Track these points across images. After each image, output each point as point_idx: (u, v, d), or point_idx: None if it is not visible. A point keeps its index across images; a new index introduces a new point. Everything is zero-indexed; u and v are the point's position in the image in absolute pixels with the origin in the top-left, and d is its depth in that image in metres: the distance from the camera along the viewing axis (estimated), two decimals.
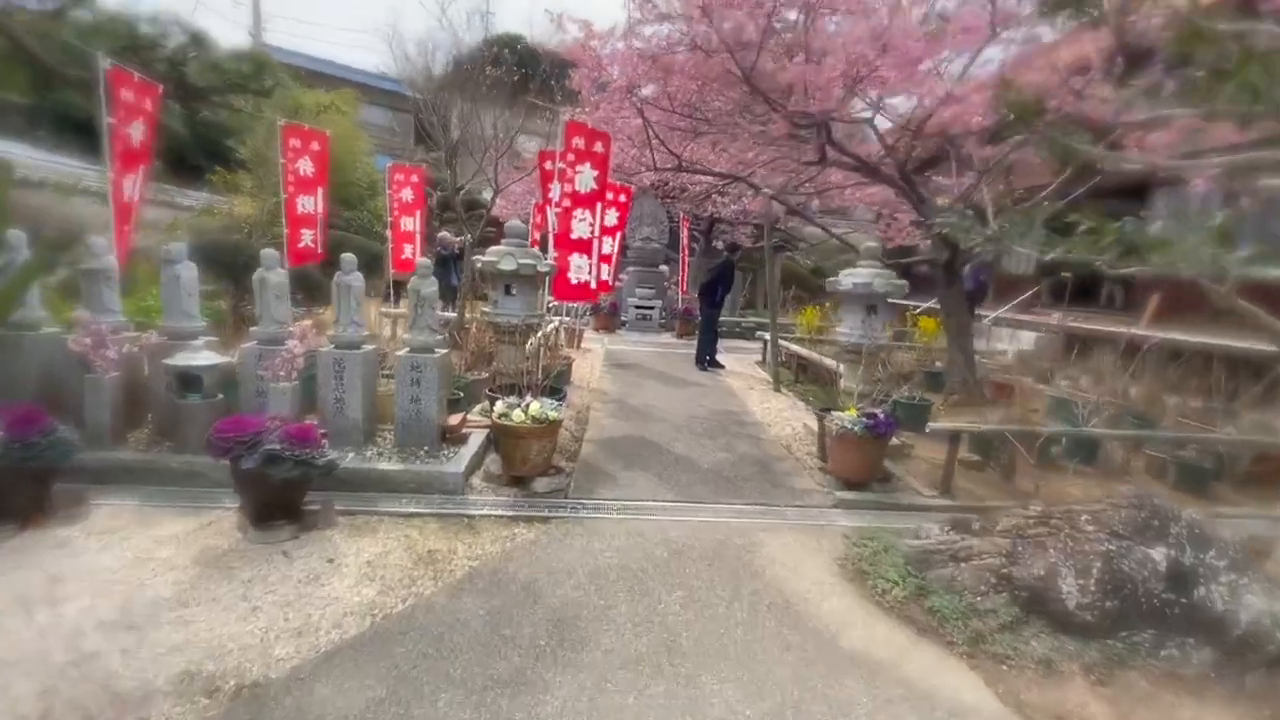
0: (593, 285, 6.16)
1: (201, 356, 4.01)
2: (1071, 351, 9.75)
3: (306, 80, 18.22)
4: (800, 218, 9.01)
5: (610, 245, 10.02)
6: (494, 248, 5.22)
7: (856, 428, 4.26)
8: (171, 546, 3.09)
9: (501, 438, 4.18)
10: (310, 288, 11.18)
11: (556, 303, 6.96)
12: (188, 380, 3.97)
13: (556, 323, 9.70)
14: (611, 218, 9.80)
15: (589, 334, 12.42)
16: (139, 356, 4.20)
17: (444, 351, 4.60)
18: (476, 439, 4.67)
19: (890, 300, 5.22)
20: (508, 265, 5.01)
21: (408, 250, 10.00)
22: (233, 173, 12.28)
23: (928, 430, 4.75)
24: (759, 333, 10.69)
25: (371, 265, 10.69)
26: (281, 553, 3.08)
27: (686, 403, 7.12)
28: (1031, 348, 11.12)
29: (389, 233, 10.12)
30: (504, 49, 13.77)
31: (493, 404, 4.70)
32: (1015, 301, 12.06)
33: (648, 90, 6.62)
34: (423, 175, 10.01)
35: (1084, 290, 12.21)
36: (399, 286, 10.01)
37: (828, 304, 18.00)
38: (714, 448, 5.46)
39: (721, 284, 9.48)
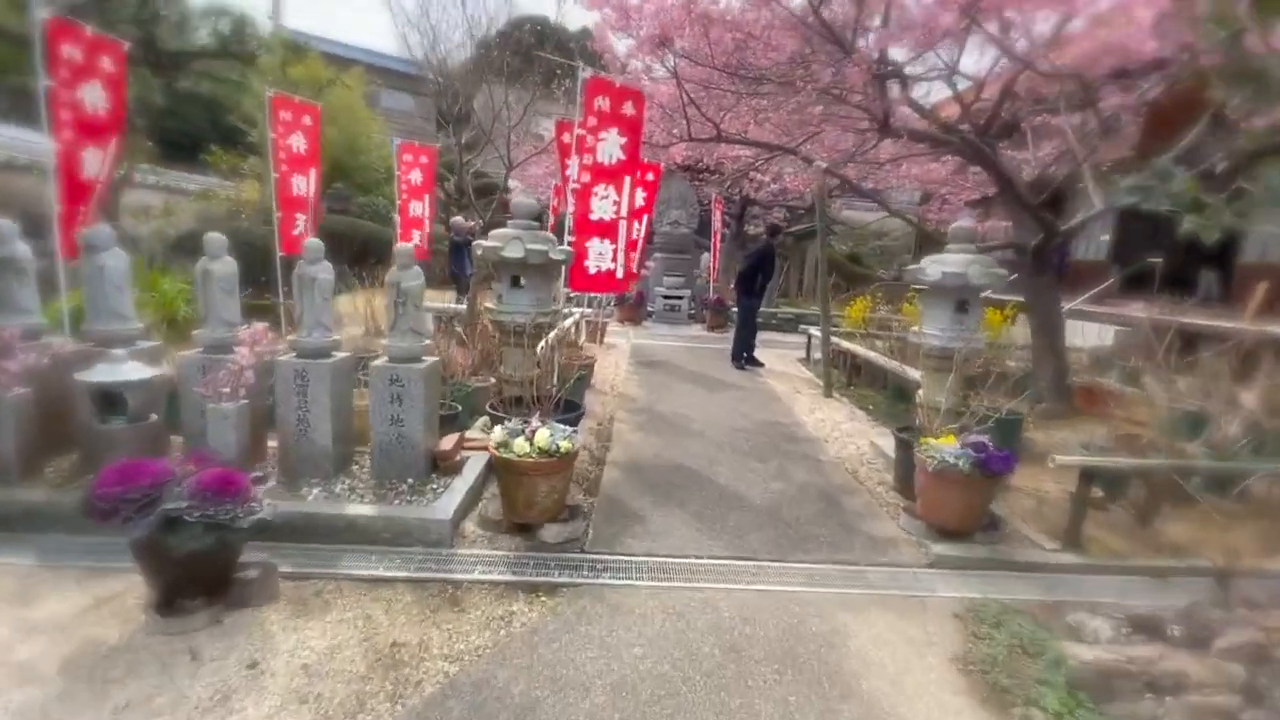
0: (618, 274, 5.21)
1: (125, 369, 3.18)
2: (1162, 349, 8.53)
3: (328, 63, 17.48)
4: (857, 193, 7.88)
5: (637, 230, 9.06)
6: (497, 231, 4.30)
7: (962, 463, 3.26)
8: (42, 638, 2.27)
9: (501, 474, 3.28)
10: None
11: (575, 294, 6.05)
12: (109, 399, 3.15)
13: (577, 315, 8.80)
14: (639, 198, 8.83)
15: (613, 327, 11.50)
16: (55, 367, 3.39)
17: (432, 360, 3.71)
18: (475, 466, 3.79)
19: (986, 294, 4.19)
20: (513, 252, 4.09)
21: (416, 236, 9.16)
22: (233, 153, 11.55)
23: (1052, 463, 3.70)
24: (801, 326, 9.64)
25: (384, 253, 9.92)
26: (188, 651, 2.23)
27: (726, 411, 6.16)
28: (1112, 344, 9.85)
29: (397, 217, 9.30)
30: (526, 29, 12.85)
31: (495, 421, 3.82)
32: (1092, 291, 10.75)
33: (682, 45, 5.60)
34: (433, 155, 9.14)
35: (1174, 278, 10.86)
36: None
37: (874, 292, 16.77)
38: (765, 474, 4.50)
39: (762, 272, 8.45)
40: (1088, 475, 3.47)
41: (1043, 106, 6.72)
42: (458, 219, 11.31)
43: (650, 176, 8.63)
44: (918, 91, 5.70)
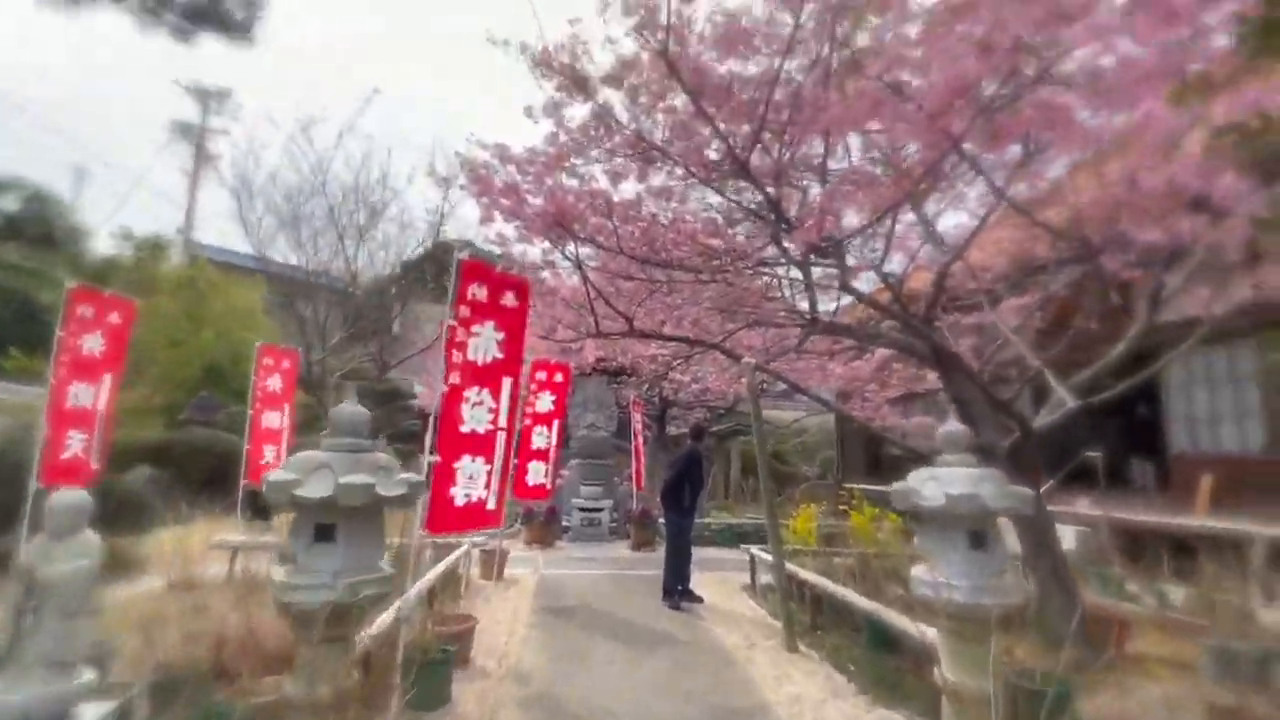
0: (490, 503, 3.76)
1: None
2: (1133, 552, 7.69)
3: (229, 272, 16.73)
4: (794, 390, 7.08)
5: (546, 437, 7.80)
6: (297, 456, 2.83)
7: None
8: None
9: None
10: (132, 507, 8.24)
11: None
12: None
13: (466, 546, 7.00)
14: (546, 402, 7.72)
15: (518, 551, 9.59)
16: None
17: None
18: None
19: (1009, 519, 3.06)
20: (314, 489, 2.61)
21: (269, 453, 7.44)
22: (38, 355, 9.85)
23: None
24: (742, 545, 8.17)
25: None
26: None
27: (662, 692, 4.36)
28: (1076, 547, 8.97)
29: (248, 430, 7.62)
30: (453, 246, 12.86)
31: None
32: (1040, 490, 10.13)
33: (585, 232, 4.89)
34: (296, 359, 7.84)
35: (1108, 471, 10.56)
36: (254, 498, 7.33)
37: (803, 492, 15.76)
38: None
39: (690, 482, 7.19)
40: None
41: (974, 296, 6.46)
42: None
43: (559, 378, 7.64)
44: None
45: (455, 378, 3.70)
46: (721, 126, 3.22)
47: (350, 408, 2.96)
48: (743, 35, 2.94)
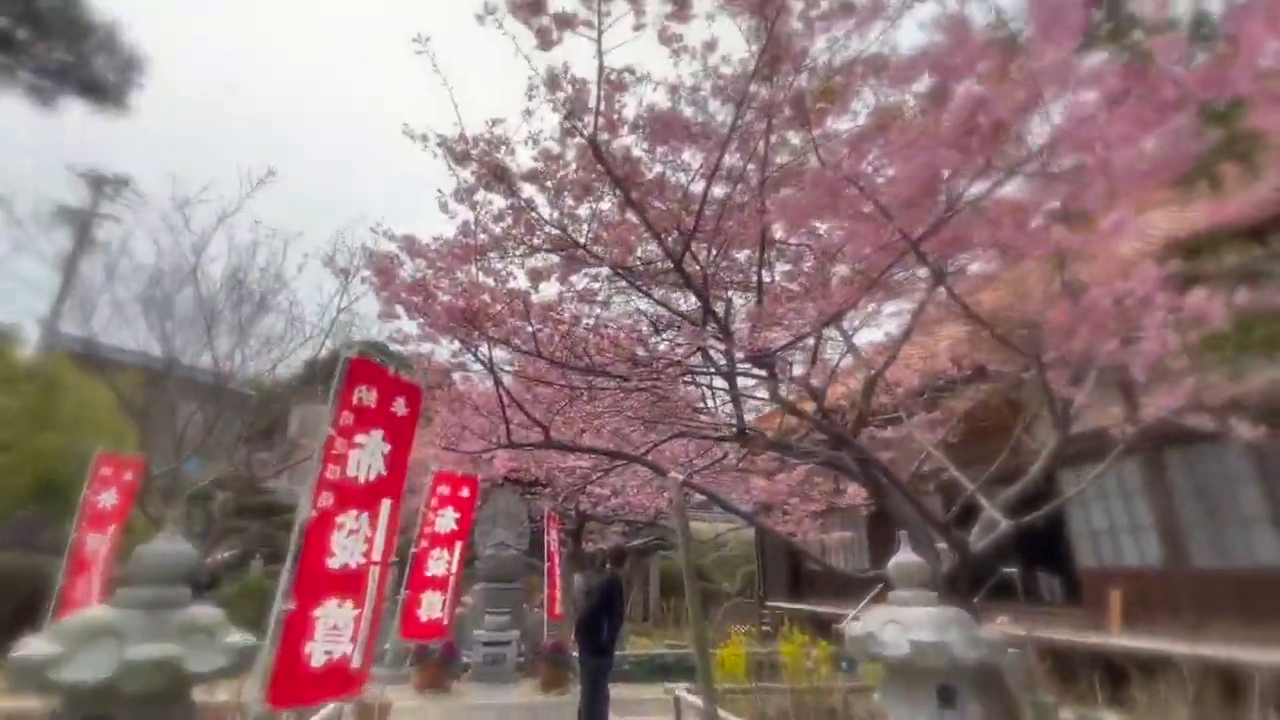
0: (354, 662, 2.98)
1: None
2: (1061, 674, 7.50)
3: (98, 369, 14.69)
4: (721, 506, 6.63)
5: (447, 563, 6.84)
6: (70, 619, 2.04)
7: None
8: None
9: None
10: None
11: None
12: None
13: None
14: (448, 520, 6.84)
15: (405, 701, 8.12)
16: None
17: None
18: None
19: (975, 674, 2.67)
20: (83, 671, 1.83)
21: (84, 587, 6.02)
22: None
23: None
24: (665, 685, 7.29)
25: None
26: None
27: None
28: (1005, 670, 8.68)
29: (68, 555, 6.24)
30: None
31: None
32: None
33: (498, 331, 4.48)
34: (140, 469, 6.65)
35: (1006, 585, 10.63)
36: None
37: (722, 615, 14.87)
38: None
39: (609, 615, 6.41)
40: None
41: (889, 411, 6.48)
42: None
43: (465, 493, 6.84)
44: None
45: (327, 499, 3.01)
46: (653, 223, 3.03)
47: (163, 545, 2.22)
48: (678, 126, 2.84)
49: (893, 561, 2.92)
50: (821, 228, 2.90)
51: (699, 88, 2.86)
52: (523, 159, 3.67)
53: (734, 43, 3.71)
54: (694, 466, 6.21)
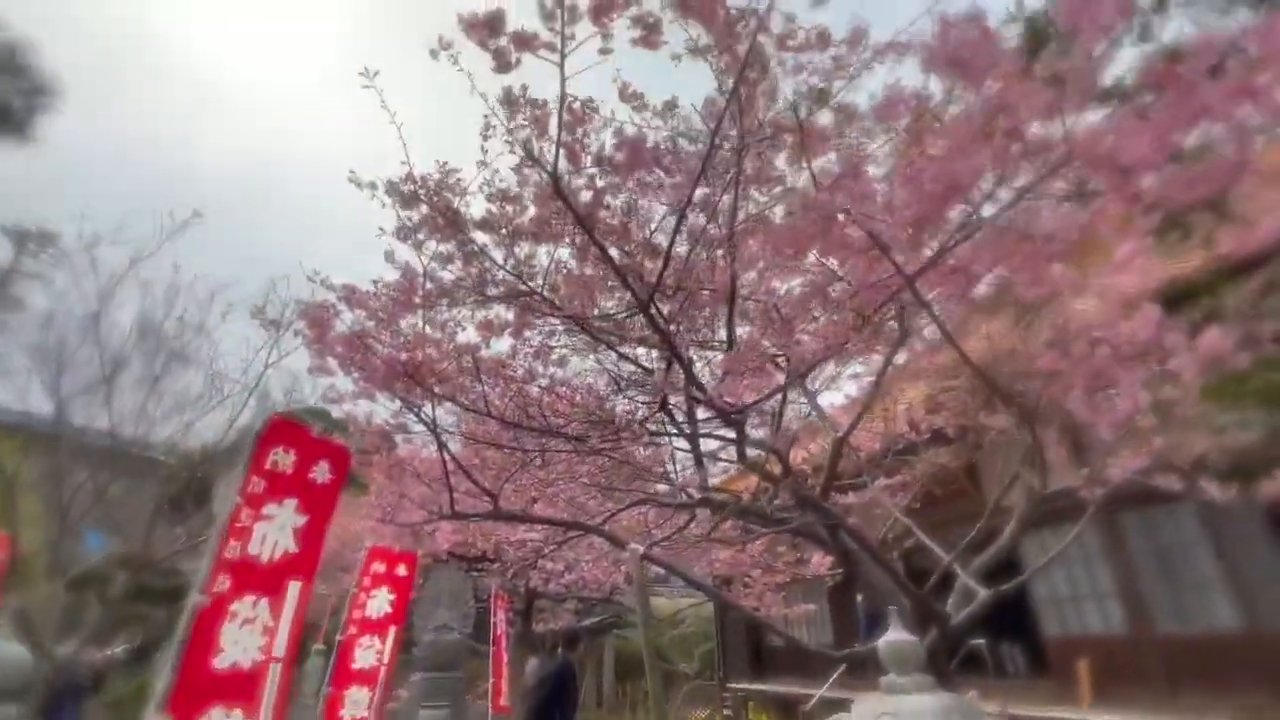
0: None
1: None
2: None
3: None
4: (687, 582, 6.17)
5: (378, 652, 6.09)
6: None
7: None
8: None
9: None
10: None
11: None
12: None
13: None
14: (381, 602, 6.16)
15: None
16: None
17: None
18: None
19: None
20: None
21: None
22: None
23: None
24: None
25: None
26: None
27: None
28: None
29: None
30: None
31: None
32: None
33: (444, 389, 4.12)
34: (6, 546, 5.80)
35: (974, 656, 10.30)
36: None
37: (682, 699, 13.93)
38: None
39: (559, 705, 5.78)
40: None
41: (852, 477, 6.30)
42: (68, 652, 7.05)
43: (403, 570, 6.21)
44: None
45: (222, 583, 2.52)
46: (618, 265, 2.82)
47: None
48: (647, 156, 2.68)
49: (883, 641, 2.61)
50: (794, 282, 2.74)
51: (665, 137, 2.75)
52: (477, 207, 3.46)
53: (701, 88, 3.66)
54: (653, 537, 5.81)
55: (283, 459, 2.87)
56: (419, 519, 4.58)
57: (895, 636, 2.61)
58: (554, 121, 2.34)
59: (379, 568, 5.76)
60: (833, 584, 11.74)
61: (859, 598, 10.92)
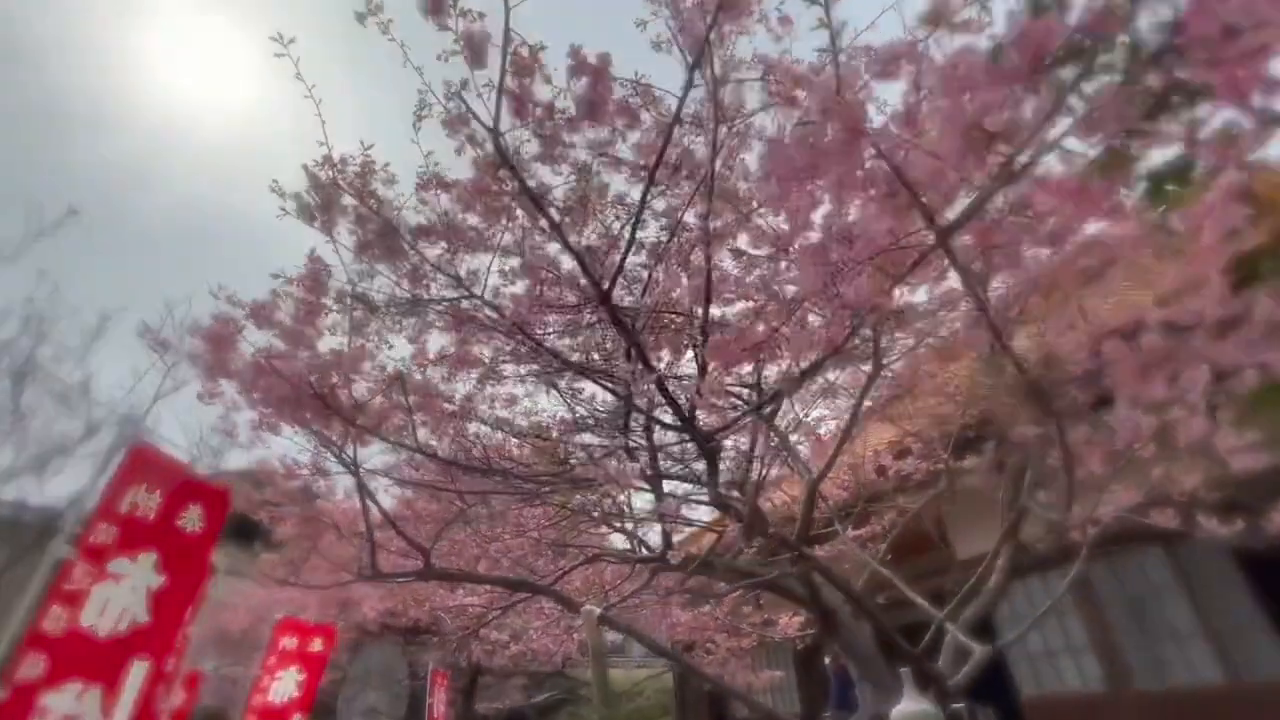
0: None
1: None
2: None
3: None
4: (647, 645, 5.50)
5: None
6: None
7: None
8: None
9: None
10: None
11: None
12: None
13: None
14: (289, 684, 5.27)
15: None
16: None
17: None
18: None
19: None
20: None
21: None
22: None
23: None
24: None
25: None
26: None
27: None
28: None
29: None
30: None
31: None
32: None
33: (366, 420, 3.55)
34: None
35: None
36: None
37: None
38: None
39: None
40: None
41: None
42: None
43: (318, 645, 5.36)
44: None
45: (35, 665, 1.86)
46: (574, 249, 2.39)
47: None
48: (611, 100, 2.30)
49: (900, 712, 2.14)
50: (784, 283, 2.33)
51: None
52: (410, 213, 3.02)
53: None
54: (609, 599, 5.19)
55: (144, 501, 2.25)
56: (330, 580, 3.88)
57: (911, 708, 2.14)
58: (495, 64, 1.98)
59: (289, 643, 4.90)
60: (801, 648, 11.08)
61: (827, 661, 10.31)
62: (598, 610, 4.15)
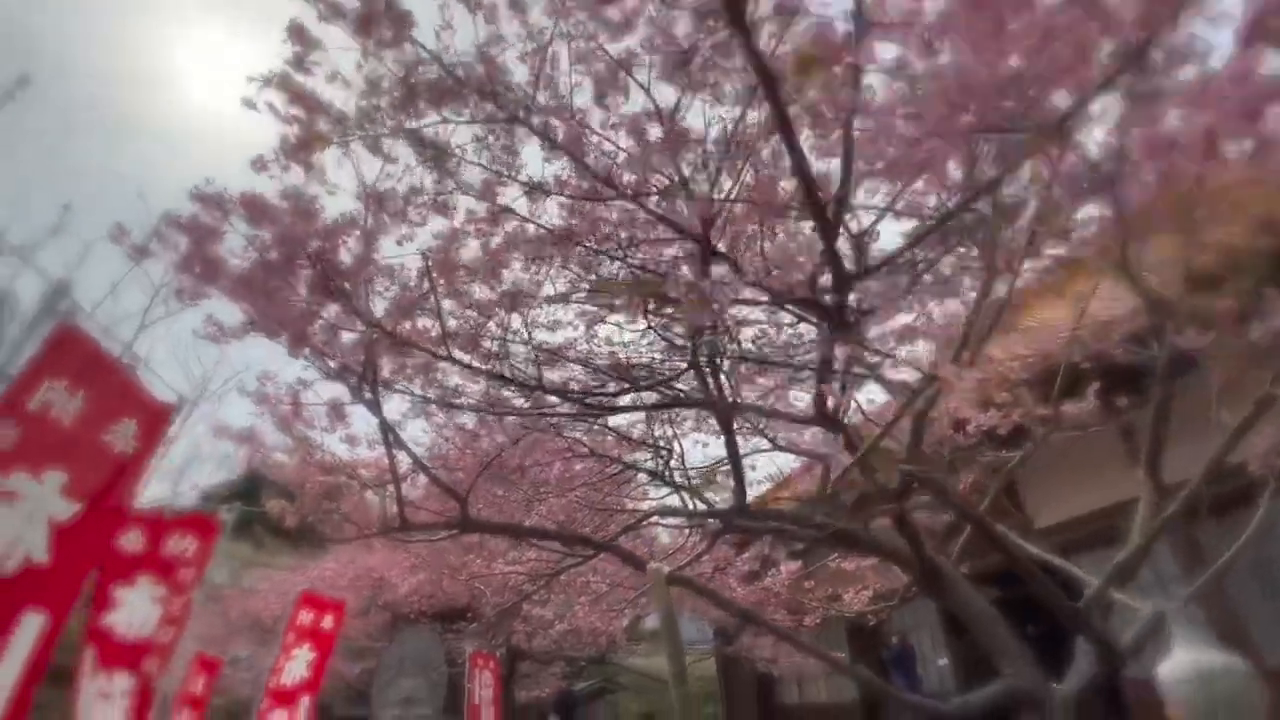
0: None
1: None
2: None
3: None
4: (717, 603, 4.75)
5: None
6: None
7: None
8: None
9: None
10: None
11: None
12: None
13: None
14: (299, 665, 4.61)
15: None
16: None
17: None
18: None
19: None
20: None
21: None
22: None
23: None
24: None
25: None
26: None
27: None
28: None
29: None
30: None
31: None
32: None
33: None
34: None
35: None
36: None
37: None
38: None
39: None
40: None
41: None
42: None
43: (328, 622, 4.71)
44: None
45: None
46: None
47: None
48: None
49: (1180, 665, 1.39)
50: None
51: None
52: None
53: None
54: (674, 561, 4.50)
55: (61, 400, 1.58)
56: (352, 535, 3.24)
57: (1209, 657, 1.40)
58: None
59: (306, 618, 4.31)
60: (852, 626, 10.26)
61: (894, 640, 9.50)
62: (667, 568, 3.45)
